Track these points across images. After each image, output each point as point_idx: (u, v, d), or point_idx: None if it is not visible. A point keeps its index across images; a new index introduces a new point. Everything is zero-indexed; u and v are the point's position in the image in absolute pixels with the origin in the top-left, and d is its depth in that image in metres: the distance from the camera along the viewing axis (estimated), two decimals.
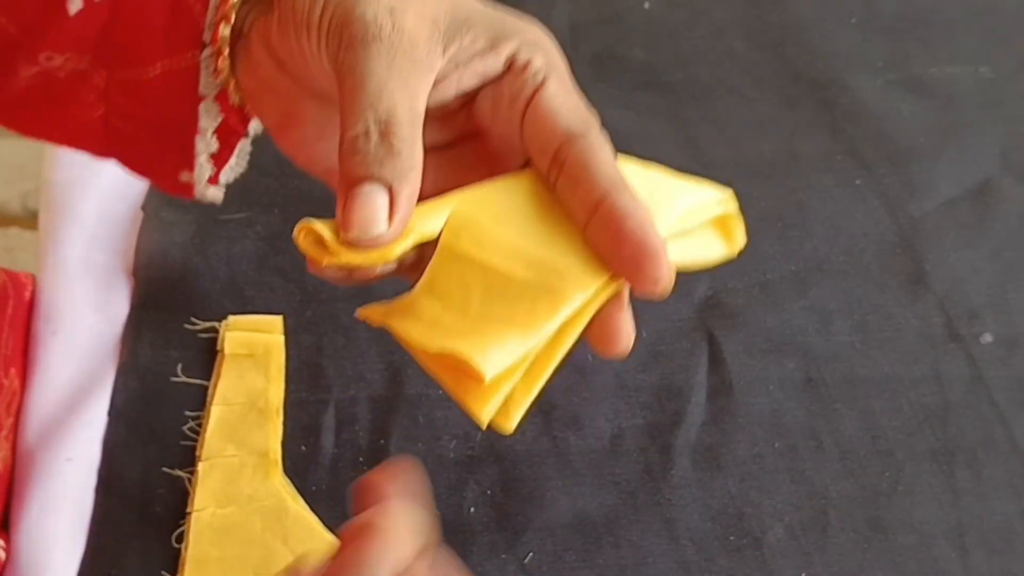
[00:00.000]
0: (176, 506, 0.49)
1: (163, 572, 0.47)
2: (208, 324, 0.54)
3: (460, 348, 0.31)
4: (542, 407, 0.52)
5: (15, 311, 0.53)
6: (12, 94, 0.41)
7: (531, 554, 0.48)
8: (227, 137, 0.43)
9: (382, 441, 0.51)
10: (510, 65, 0.36)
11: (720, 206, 0.39)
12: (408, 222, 0.33)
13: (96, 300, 0.54)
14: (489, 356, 0.31)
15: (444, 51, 0.35)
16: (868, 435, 0.52)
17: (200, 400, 0.52)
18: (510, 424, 0.32)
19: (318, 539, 0.47)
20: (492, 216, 0.35)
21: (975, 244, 0.58)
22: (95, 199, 0.57)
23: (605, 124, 0.62)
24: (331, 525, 0.48)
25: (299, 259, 0.56)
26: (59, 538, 0.48)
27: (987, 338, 0.55)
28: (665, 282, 0.33)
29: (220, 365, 0.52)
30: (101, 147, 0.43)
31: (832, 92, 0.63)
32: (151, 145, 0.42)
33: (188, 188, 0.44)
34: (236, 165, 0.45)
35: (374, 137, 0.32)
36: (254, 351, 0.52)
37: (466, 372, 0.31)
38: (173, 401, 0.52)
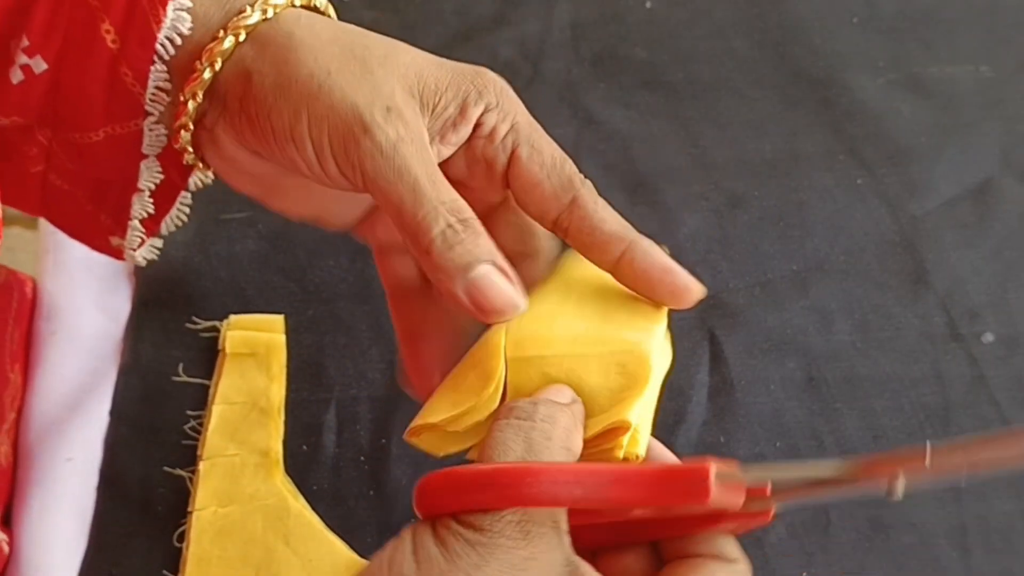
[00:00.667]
0: (177, 505, 0.49)
1: (164, 571, 0.47)
2: (209, 323, 0.54)
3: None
4: None
5: (19, 307, 0.53)
6: None
7: None
8: (165, 196, 0.43)
9: (383, 440, 0.51)
10: (476, 127, 0.37)
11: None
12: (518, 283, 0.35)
13: (97, 299, 0.54)
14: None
15: (425, 122, 0.36)
16: (869, 435, 0.52)
17: (201, 399, 0.52)
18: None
19: (319, 539, 0.47)
20: (545, 317, 0.36)
21: (976, 243, 0.58)
22: None
23: (605, 124, 0.62)
24: (332, 524, 0.48)
25: (300, 258, 0.56)
26: (60, 537, 0.48)
27: (988, 337, 0.55)
28: (697, 296, 0.39)
29: (221, 364, 0.52)
30: (35, 206, 0.43)
31: (833, 91, 0.63)
32: (87, 206, 0.42)
33: (118, 252, 0.44)
34: (176, 217, 0.46)
35: (458, 227, 0.34)
36: (255, 350, 0.52)
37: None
38: (174, 400, 0.52)
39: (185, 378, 0.52)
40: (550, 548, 0.30)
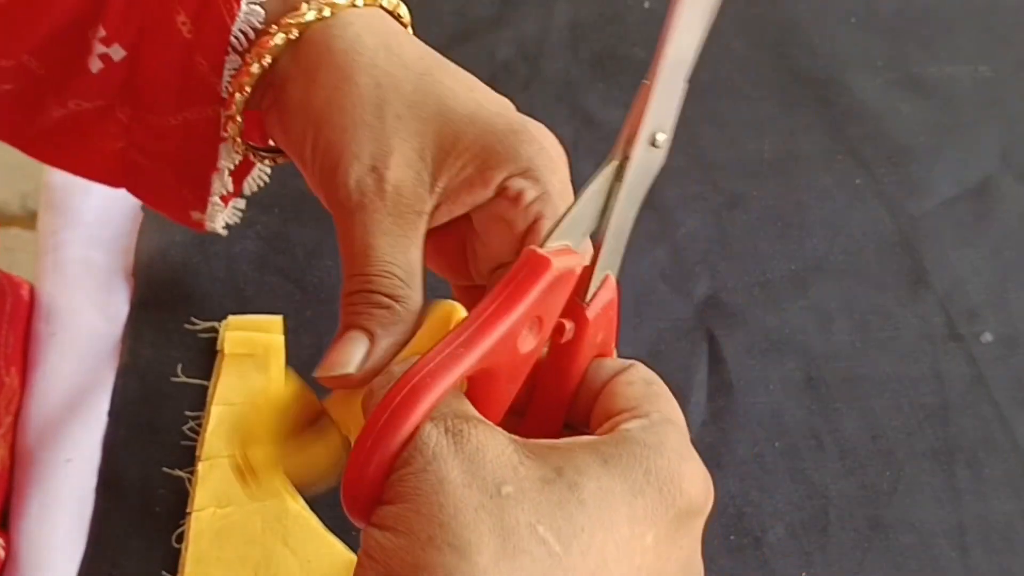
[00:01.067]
0: (176, 506, 0.49)
1: (163, 572, 0.47)
2: (208, 324, 0.54)
3: None
4: None
5: (14, 309, 0.53)
6: (41, 129, 0.42)
7: None
8: (241, 176, 0.44)
9: None
10: (501, 191, 0.35)
11: None
12: (380, 370, 0.33)
13: (96, 300, 0.54)
14: None
15: (433, 187, 0.35)
16: (868, 434, 0.52)
17: (200, 400, 0.52)
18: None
19: (318, 539, 0.47)
20: None
21: (975, 243, 0.58)
22: (95, 199, 0.57)
23: (604, 124, 0.62)
24: (331, 525, 0.48)
25: (298, 259, 0.56)
26: (59, 538, 0.48)
27: (987, 337, 0.55)
28: None
29: (220, 365, 0.52)
30: (116, 178, 0.45)
31: (832, 91, 0.63)
32: (170, 178, 0.43)
33: (199, 224, 0.45)
34: (258, 177, 0.46)
35: (357, 297, 0.34)
36: (254, 351, 0.52)
37: None
38: (173, 401, 0.52)
39: (184, 379, 0.52)
40: (487, 433, 0.27)
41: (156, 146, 0.41)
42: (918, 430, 0.52)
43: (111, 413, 0.51)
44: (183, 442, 0.51)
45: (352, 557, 0.47)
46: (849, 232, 0.58)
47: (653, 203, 0.59)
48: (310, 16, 0.36)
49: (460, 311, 0.35)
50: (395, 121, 0.35)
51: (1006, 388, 0.53)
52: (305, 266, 0.56)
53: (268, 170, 0.45)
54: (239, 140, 0.40)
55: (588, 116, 0.62)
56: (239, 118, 0.39)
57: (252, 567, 0.47)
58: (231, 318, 0.53)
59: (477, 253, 0.37)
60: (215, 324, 0.53)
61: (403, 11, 0.40)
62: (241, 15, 0.37)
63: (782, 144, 0.61)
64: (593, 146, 0.61)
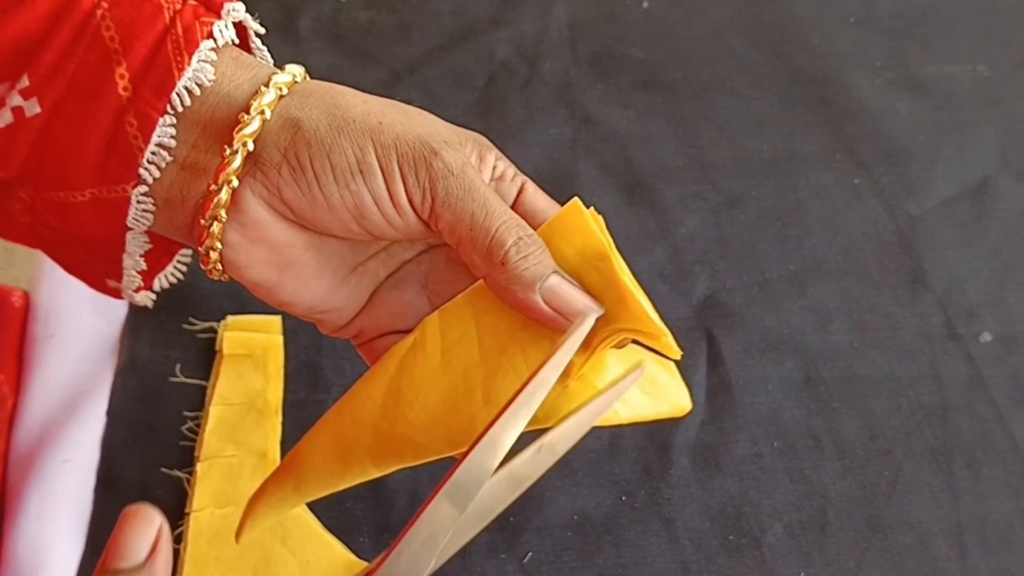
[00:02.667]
0: (175, 506, 0.49)
1: None
2: (207, 324, 0.54)
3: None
4: None
5: (3, 317, 0.53)
6: None
7: (530, 554, 0.48)
8: (157, 258, 0.43)
9: None
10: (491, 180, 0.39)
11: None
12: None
13: (94, 301, 0.54)
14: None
15: None
16: (867, 434, 0.52)
17: (199, 400, 0.52)
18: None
19: (317, 539, 0.47)
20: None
21: (974, 243, 0.58)
22: None
23: (603, 124, 0.62)
24: (330, 525, 0.48)
25: None
26: (58, 538, 0.48)
27: (986, 337, 0.55)
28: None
29: (219, 365, 0.52)
30: (32, 243, 0.42)
31: (831, 91, 0.63)
32: (79, 254, 0.41)
33: (116, 292, 0.43)
34: (171, 274, 0.45)
35: (528, 240, 0.36)
36: (253, 351, 0.52)
37: None
38: (172, 401, 0.52)
39: (182, 379, 0.52)
40: None
41: (62, 223, 0.38)
42: (916, 430, 0.52)
43: (109, 413, 0.51)
44: (181, 442, 0.51)
45: (351, 558, 0.47)
46: (848, 232, 0.58)
47: (652, 202, 0.59)
48: (288, 78, 0.37)
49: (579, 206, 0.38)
50: (421, 119, 0.38)
51: (1004, 388, 0.53)
52: None
53: (184, 267, 0.45)
54: (222, 215, 0.37)
55: (586, 116, 0.62)
56: (235, 181, 0.36)
57: (251, 568, 0.47)
58: (230, 318, 0.53)
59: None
60: (214, 324, 0.53)
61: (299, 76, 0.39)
62: (190, 71, 0.35)
63: (781, 144, 0.61)
64: (592, 146, 0.61)
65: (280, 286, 0.39)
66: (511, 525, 0.49)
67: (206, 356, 0.53)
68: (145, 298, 0.44)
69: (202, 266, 0.38)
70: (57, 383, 0.52)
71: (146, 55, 0.36)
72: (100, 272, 0.42)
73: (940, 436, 0.52)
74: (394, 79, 0.63)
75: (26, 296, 0.55)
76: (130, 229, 0.38)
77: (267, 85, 0.36)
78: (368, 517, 0.49)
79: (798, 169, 0.60)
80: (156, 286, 0.44)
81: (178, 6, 0.36)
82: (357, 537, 0.48)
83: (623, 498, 0.50)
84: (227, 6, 0.37)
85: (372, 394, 0.38)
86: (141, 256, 0.41)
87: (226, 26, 0.37)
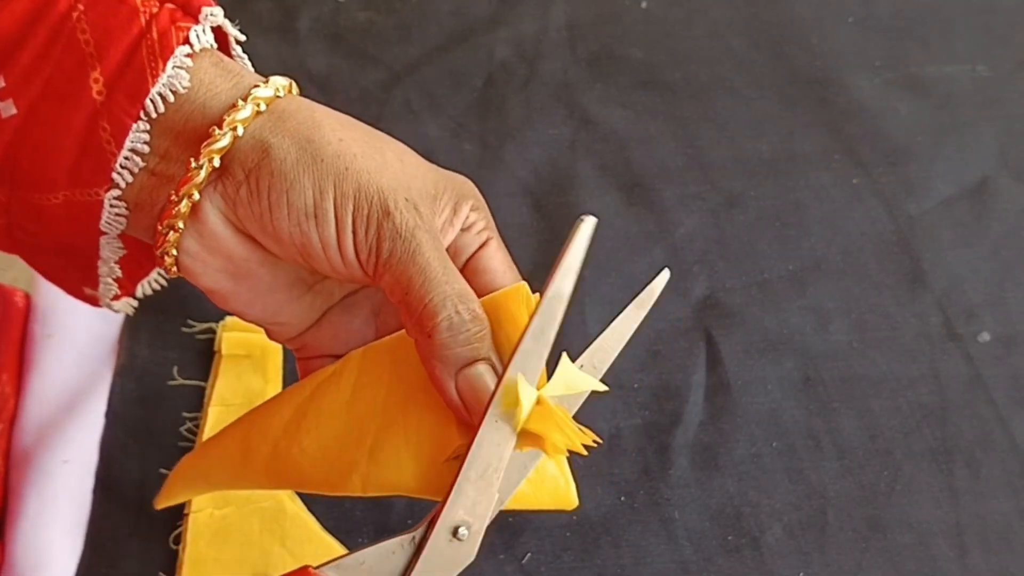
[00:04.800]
0: (174, 507, 0.48)
1: (161, 573, 0.47)
2: (205, 325, 0.54)
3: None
4: None
5: (7, 316, 0.53)
6: None
7: (529, 554, 0.48)
8: (140, 264, 0.42)
9: None
10: (463, 229, 0.39)
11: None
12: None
13: None
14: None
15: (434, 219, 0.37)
16: (866, 434, 0.52)
17: (197, 401, 0.52)
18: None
19: (316, 540, 0.47)
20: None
21: (973, 243, 0.58)
22: None
23: (602, 124, 0.62)
24: (329, 526, 0.48)
25: None
26: (57, 540, 0.48)
27: (985, 337, 0.55)
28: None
29: (217, 366, 0.52)
30: (7, 247, 0.42)
31: (830, 91, 0.63)
32: (56, 259, 0.41)
33: (94, 300, 0.43)
34: (155, 280, 0.44)
35: (465, 316, 0.35)
36: (251, 352, 0.52)
37: None
38: (170, 402, 0.52)
39: (181, 380, 0.52)
40: None
41: (36, 227, 0.38)
42: (916, 430, 0.52)
43: (108, 414, 0.51)
44: (180, 443, 0.51)
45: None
46: (847, 232, 0.58)
47: (651, 203, 0.59)
48: (269, 93, 0.36)
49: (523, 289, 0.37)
50: (398, 165, 0.37)
51: (1004, 388, 0.53)
52: None
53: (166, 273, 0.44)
54: (180, 225, 0.37)
55: (586, 116, 0.62)
56: (196, 195, 0.36)
57: (250, 568, 0.47)
58: (228, 319, 0.53)
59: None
60: (212, 325, 0.53)
61: (295, 90, 0.39)
62: (164, 77, 0.35)
63: (780, 144, 0.61)
64: (591, 146, 0.61)
65: (234, 295, 0.39)
66: (510, 525, 0.49)
67: (205, 357, 0.53)
68: (125, 306, 0.44)
69: (157, 266, 0.38)
70: (56, 383, 0.52)
71: (121, 60, 0.35)
72: (76, 279, 0.42)
73: (939, 436, 0.52)
74: (393, 79, 0.63)
75: (27, 296, 0.55)
76: (104, 233, 0.38)
77: (245, 99, 0.35)
78: (368, 517, 0.49)
79: (797, 169, 0.60)
80: (139, 292, 0.44)
81: (154, 9, 0.36)
82: (357, 537, 0.48)
83: (622, 498, 0.50)
84: (205, 10, 0.36)
85: (282, 411, 0.38)
86: (116, 263, 0.40)
87: (203, 31, 0.36)
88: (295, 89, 0.38)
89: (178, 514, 0.48)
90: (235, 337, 0.52)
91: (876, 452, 0.51)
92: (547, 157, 0.60)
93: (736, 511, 0.50)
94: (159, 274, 0.44)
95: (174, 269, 0.38)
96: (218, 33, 0.38)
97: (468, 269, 0.39)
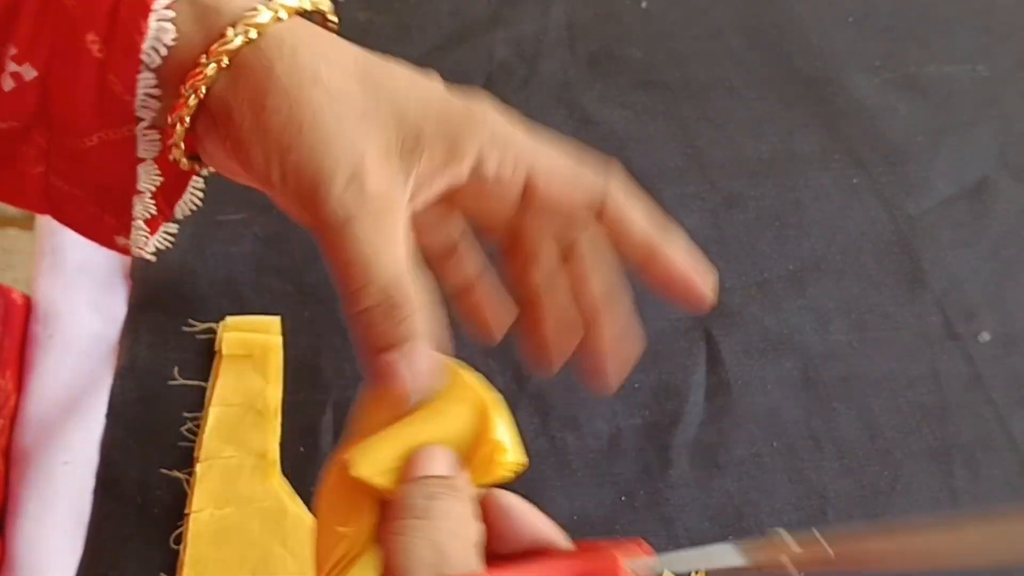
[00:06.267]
0: (174, 507, 0.49)
1: (161, 574, 0.47)
2: (206, 325, 0.54)
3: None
4: (540, 407, 0.52)
5: (9, 314, 0.53)
6: None
7: None
8: (175, 186, 0.43)
9: None
10: (479, 165, 0.36)
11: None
12: (435, 364, 0.35)
13: (94, 302, 0.54)
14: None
15: (407, 182, 0.36)
16: (866, 434, 0.52)
17: (198, 401, 0.52)
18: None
19: None
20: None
21: (972, 243, 0.58)
22: None
23: (602, 124, 0.62)
24: None
25: (296, 260, 0.56)
26: (57, 540, 0.48)
27: (985, 336, 0.55)
28: (708, 305, 0.39)
29: (218, 366, 0.52)
30: (39, 205, 0.43)
31: (829, 91, 0.63)
32: (90, 207, 0.42)
33: (126, 249, 0.43)
34: (190, 201, 0.44)
35: (386, 308, 0.34)
36: (252, 352, 0.52)
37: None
38: (171, 402, 0.52)
39: (181, 380, 0.52)
40: None
41: (74, 170, 0.40)
42: (916, 430, 0.52)
43: (109, 415, 0.51)
44: (181, 443, 0.51)
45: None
46: (847, 232, 0.58)
47: (650, 202, 0.59)
48: (238, 41, 0.35)
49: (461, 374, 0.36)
50: (358, 127, 0.35)
51: (1004, 387, 0.53)
52: (303, 267, 0.56)
53: (200, 193, 0.44)
54: (184, 161, 0.39)
55: (586, 116, 0.62)
56: (181, 145, 0.38)
57: (250, 568, 0.47)
58: (229, 319, 0.53)
59: (479, 222, 0.39)
60: (213, 325, 0.53)
61: (326, 6, 0.39)
62: (151, 32, 0.35)
63: (779, 144, 0.61)
64: (590, 146, 0.61)
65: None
66: None
67: (205, 357, 0.53)
68: (160, 240, 0.44)
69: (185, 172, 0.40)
70: (56, 383, 0.52)
71: (107, 20, 0.36)
72: (110, 227, 0.42)
73: (939, 436, 0.52)
74: None
75: (25, 296, 0.55)
76: (142, 160, 0.39)
77: (208, 54, 0.35)
78: None
79: (797, 169, 0.60)
80: (179, 213, 0.44)
81: None
82: None
83: (623, 498, 0.50)
84: None
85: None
86: (151, 198, 0.41)
87: None
88: (271, 14, 0.36)
89: (179, 514, 0.48)
90: (236, 337, 0.52)
91: (876, 452, 0.51)
92: None
93: (736, 511, 0.50)
94: (191, 194, 0.44)
95: (194, 166, 0.39)
96: None
97: (530, 207, 0.37)
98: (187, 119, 0.37)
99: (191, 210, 0.44)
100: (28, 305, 0.54)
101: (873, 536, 0.31)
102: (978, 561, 0.29)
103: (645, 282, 0.38)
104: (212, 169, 0.41)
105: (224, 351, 0.52)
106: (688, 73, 0.64)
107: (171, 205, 0.43)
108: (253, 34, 0.36)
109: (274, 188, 0.36)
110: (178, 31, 0.36)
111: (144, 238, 0.42)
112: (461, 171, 0.36)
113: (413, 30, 0.66)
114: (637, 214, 0.38)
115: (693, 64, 0.65)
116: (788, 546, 0.32)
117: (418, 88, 0.37)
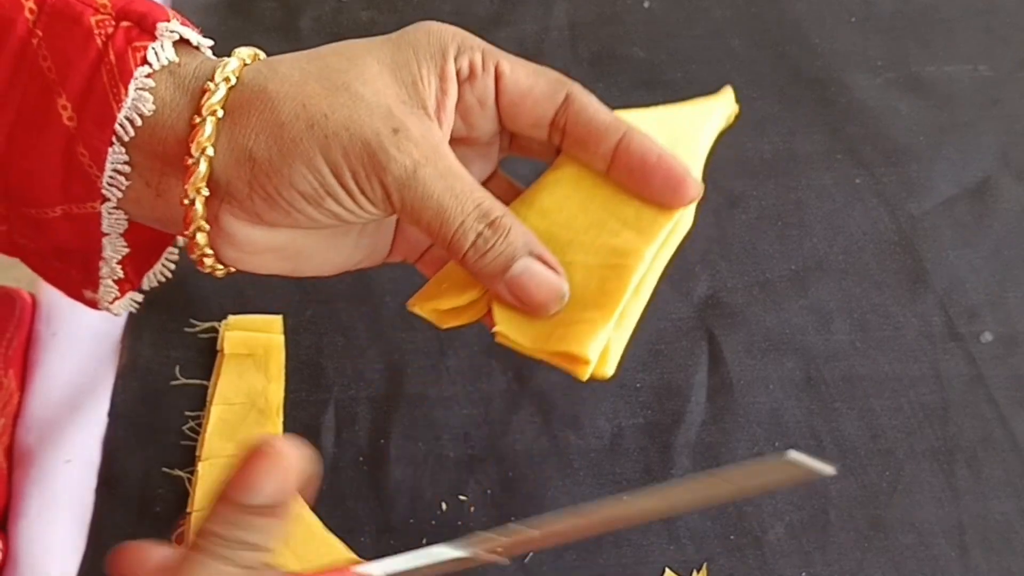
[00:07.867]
0: (176, 506, 0.49)
1: None
2: (208, 324, 0.54)
3: (570, 348, 0.36)
4: (542, 407, 0.52)
5: (13, 313, 0.53)
6: None
7: (531, 554, 0.48)
8: (146, 258, 0.42)
9: (382, 441, 0.51)
10: (460, 72, 0.38)
11: (727, 109, 0.45)
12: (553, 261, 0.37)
13: None
14: (590, 347, 0.36)
15: (429, 115, 0.37)
16: (868, 434, 0.52)
17: (200, 400, 0.52)
18: (610, 370, 0.37)
19: (318, 540, 0.47)
20: (540, 216, 0.39)
21: (974, 243, 0.58)
22: None
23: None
24: (331, 525, 0.48)
25: None
26: (59, 539, 0.48)
27: (986, 337, 0.55)
28: (695, 194, 0.39)
29: (220, 365, 0.52)
30: (8, 252, 0.42)
31: (831, 91, 0.63)
32: (55, 263, 0.41)
33: (93, 303, 0.43)
34: (160, 273, 0.44)
35: (487, 233, 0.35)
36: (254, 351, 0.52)
37: (571, 358, 0.36)
38: (173, 401, 0.52)
39: (183, 379, 0.52)
40: None
41: (36, 233, 0.38)
42: (918, 430, 0.52)
43: (111, 414, 0.52)
44: (183, 442, 0.51)
45: (352, 558, 0.47)
46: (848, 232, 0.58)
47: None
48: (221, 93, 0.35)
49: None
50: (366, 89, 0.36)
51: (1005, 387, 0.53)
52: None
53: (173, 264, 0.44)
54: (209, 252, 0.37)
55: None
56: (205, 225, 0.36)
57: None
58: (231, 318, 0.53)
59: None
60: (215, 325, 0.53)
61: (262, 56, 0.39)
62: (128, 101, 0.34)
63: (781, 144, 0.61)
64: None
65: (298, 270, 0.39)
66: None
67: (207, 356, 0.53)
68: (127, 304, 0.43)
69: (199, 269, 0.38)
70: (59, 382, 0.52)
71: (83, 86, 0.34)
72: (77, 282, 0.42)
73: (941, 436, 0.52)
74: None
75: (33, 297, 0.55)
76: (106, 235, 0.38)
77: (201, 113, 0.35)
78: (369, 517, 0.49)
79: (798, 169, 0.60)
80: (146, 284, 0.44)
81: (110, 30, 0.35)
82: (358, 537, 0.49)
83: (624, 498, 0.50)
84: (161, 26, 0.35)
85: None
86: (118, 263, 0.40)
87: (162, 47, 0.35)
88: (238, 61, 0.36)
89: (181, 513, 0.48)
90: (237, 336, 0.52)
91: (878, 452, 0.51)
92: None
93: (738, 510, 0.50)
94: (163, 265, 0.44)
95: (218, 269, 0.38)
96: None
97: (503, 104, 0.38)
98: (203, 188, 0.35)
99: (159, 282, 0.44)
100: (35, 304, 0.54)
101: (559, 520, 0.36)
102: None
103: (620, 176, 0.38)
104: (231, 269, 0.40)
105: (226, 350, 0.52)
106: (690, 73, 0.64)
107: (140, 274, 0.43)
108: (233, 80, 0.36)
109: (335, 194, 0.35)
110: (159, 99, 0.35)
111: (112, 294, 0.41)
112: (452, 83, 0.37)
113: None
114: (602, 105, 0.39)
115: (695, 64, 0.64)
116: (494, 539, 0.36)
117: (375, 41, 0.38)
